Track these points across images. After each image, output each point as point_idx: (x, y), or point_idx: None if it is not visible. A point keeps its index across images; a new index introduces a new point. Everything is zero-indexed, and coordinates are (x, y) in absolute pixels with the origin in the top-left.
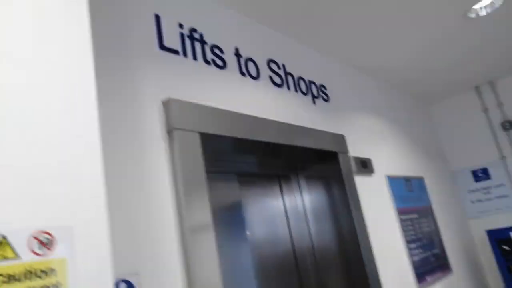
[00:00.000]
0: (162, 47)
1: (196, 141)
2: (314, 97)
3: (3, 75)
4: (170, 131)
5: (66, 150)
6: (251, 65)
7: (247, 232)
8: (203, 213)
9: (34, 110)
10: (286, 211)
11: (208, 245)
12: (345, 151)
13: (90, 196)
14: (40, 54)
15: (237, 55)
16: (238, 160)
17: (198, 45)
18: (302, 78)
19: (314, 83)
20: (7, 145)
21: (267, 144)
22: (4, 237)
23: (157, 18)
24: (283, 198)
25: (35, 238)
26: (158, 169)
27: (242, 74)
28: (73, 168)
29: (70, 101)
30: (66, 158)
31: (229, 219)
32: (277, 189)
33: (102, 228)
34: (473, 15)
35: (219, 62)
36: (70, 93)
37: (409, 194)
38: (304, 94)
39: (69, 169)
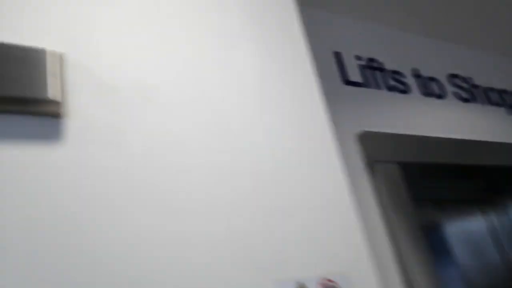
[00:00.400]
0: (346, 81)
1: (396, 171)
2: (510, 107)
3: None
4: (370, 163)
5: (327, 196)
6: (433, 84)
7: (454, 257)
8: (413, 238)
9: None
10: (496, 236)
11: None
12: None
13: (356, 242)
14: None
15: (417, 76)
16: (433, 186)
17: (378, 74)
18: (492, 89)
19: (506, 91)
20: (279, 199)
21: (462, 166)
22: (303, 286)
23: (337, 55)
24: (489, 222)
25: (323, 285)
26: (364, 200)
27: (426, 95)
28: (335, 214)
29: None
30: (329, 204)
31: (433, 244)
32: (479, 213)
33: (374, 276)
34: None
35: (401, 87)
36: (312, 143)
37: None
38: (498, 105)
39: (333, 216)
